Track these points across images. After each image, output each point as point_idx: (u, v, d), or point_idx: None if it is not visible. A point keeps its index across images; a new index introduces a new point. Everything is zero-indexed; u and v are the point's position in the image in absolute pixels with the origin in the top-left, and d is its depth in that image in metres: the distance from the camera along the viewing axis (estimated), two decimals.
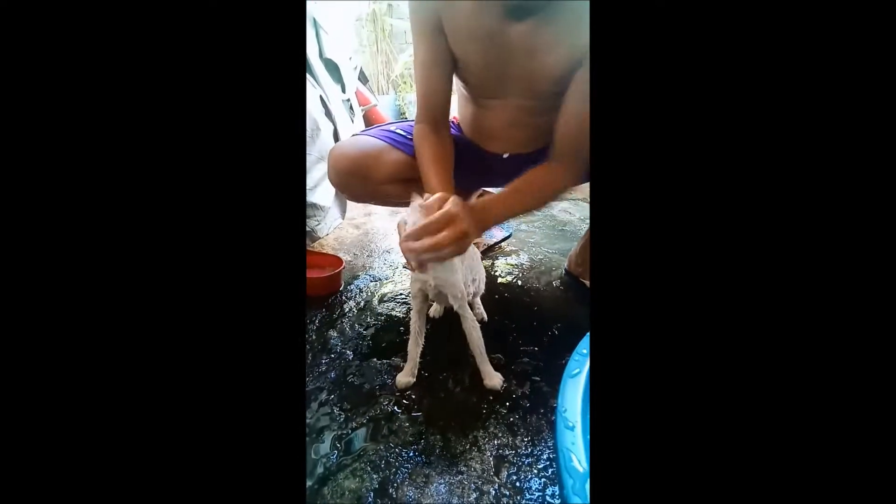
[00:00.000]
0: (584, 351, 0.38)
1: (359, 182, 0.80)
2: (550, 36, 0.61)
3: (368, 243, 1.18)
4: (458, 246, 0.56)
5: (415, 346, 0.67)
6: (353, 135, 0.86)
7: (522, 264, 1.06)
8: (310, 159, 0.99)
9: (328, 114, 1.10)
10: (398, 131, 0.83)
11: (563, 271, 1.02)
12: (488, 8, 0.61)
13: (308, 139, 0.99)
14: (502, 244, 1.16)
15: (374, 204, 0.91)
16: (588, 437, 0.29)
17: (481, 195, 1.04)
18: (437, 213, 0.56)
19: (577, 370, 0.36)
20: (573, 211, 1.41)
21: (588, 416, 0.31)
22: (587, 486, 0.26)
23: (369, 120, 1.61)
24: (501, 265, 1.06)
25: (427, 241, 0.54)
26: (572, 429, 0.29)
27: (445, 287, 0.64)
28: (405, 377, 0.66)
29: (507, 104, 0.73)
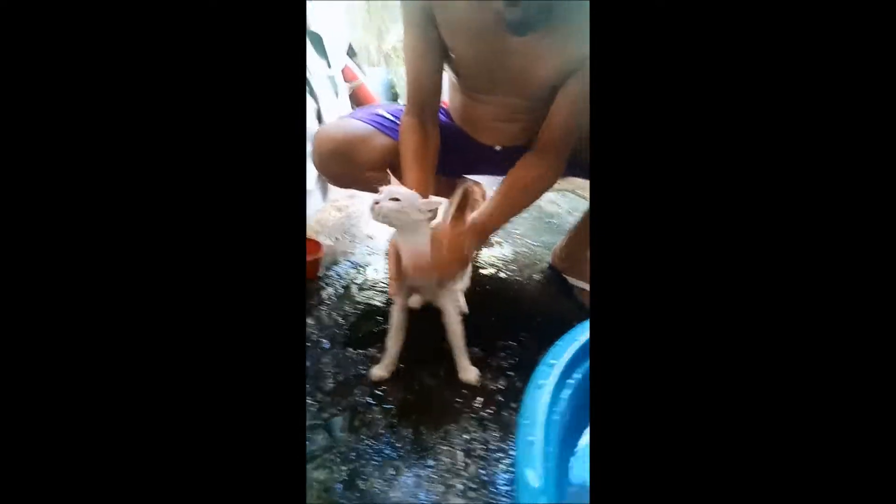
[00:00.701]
0: (552, 361, 0.38)
1: (343, 167, 0.78)
2: (548, 47, 0.60)
3: (350, 227, 1.16)
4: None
5: (394, 341, 0.66)
6: (340, 117, 0.83)
7: (506, 256, 1.06)
8: None
9: (311, 91, 1.05)
10: (387, 115, 0.81)
11: (547, 265, 1.02)
12: (484, 12, 0.58)
13: None
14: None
15: (359, 189, 0.89)
16: (550, 451, 0.29)
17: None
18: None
19: (543, 381, 0.36)
20: (561, 202, 1.40)
21: (552, 431, 0.32)
22: (542, 501, 0.27)
23: (357, 98, 1.56)
24: (485, 256, 1.05)
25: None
26: (532, 444, 0.29)
27: (426, 288, 0.63)
28: (380, 371, 0.66)
29: (498, 100, 0.72)
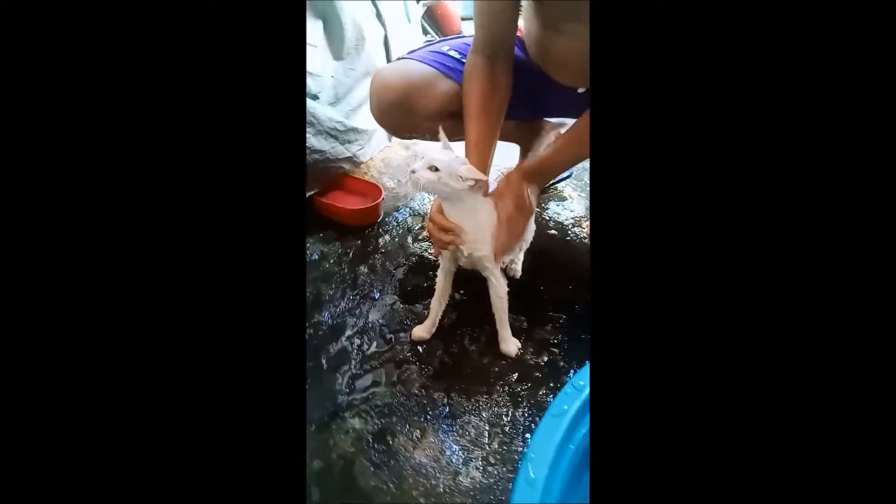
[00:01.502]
0: (582, 383, 0.35)
1: (404, 117, 0.73)
2: None
3: None
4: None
5: (437, 304, 0.66)
6: (399, 58, 0.76)
7: (575, 214, 0.97)
8: (353, 75, 0.91)
9: (378, 15, 0.97)
10: (452, 53, 0.72)
11: None
12: None
13: (352, 50, 0.89)
14: (559, 185, 1.05)
15: (421, 138, 0.84)
16: (552, 497, 0.28)
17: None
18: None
19: (565, 406, 0.33)
20: None
21: (559, 473, 0.29)
22: None
23: (436, 19, 1.41)
24: (552, 212, 0.97)
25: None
26: (531, 484, 0.28)
27: (476, 260, 0.60)
28: (422, 331, 0.67)
29: (585, 31, 0.59)
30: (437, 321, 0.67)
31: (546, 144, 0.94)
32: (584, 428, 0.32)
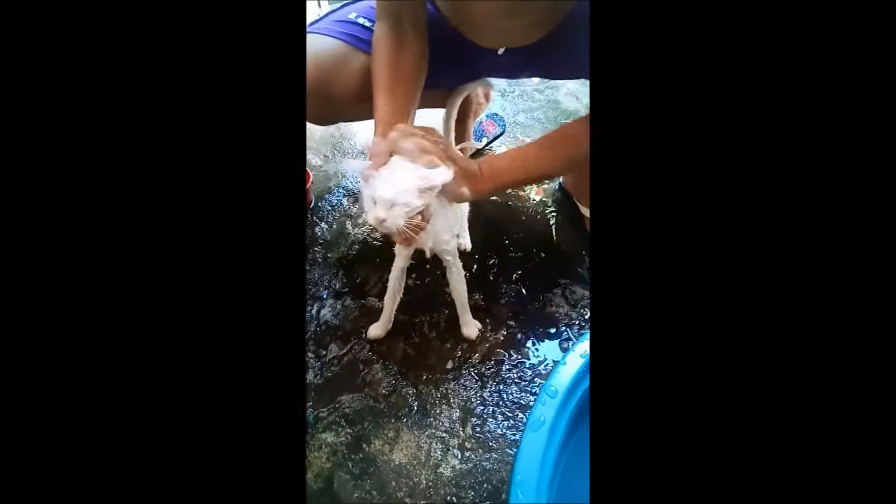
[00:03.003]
0: (553, 387, 0.35)
1: (322, 105, 0.62)
2: None
3: (341, 140, 1.03)
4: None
5: (391, 300, 0.64)
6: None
7: None
8: None
9: None
10: (361, 21, 0.62)
11: (558, 187, 0.92)
12: None
13: None
14: (493, 145, 1.02)
15: (346, 122, 0.75)
16: None
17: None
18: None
19: (542, 417, 0.34)
20: (582, 96, 1.20)
21: (552, 487, 0.30)
22: None
23: None
24: None
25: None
26: None
27: (441, 251, 0.57)
28: (377, 330, 0.65)
29: None
30: (392, 317, 0.65)
31: (476, 103, 0.89)
32: (564, 434, 0.33)
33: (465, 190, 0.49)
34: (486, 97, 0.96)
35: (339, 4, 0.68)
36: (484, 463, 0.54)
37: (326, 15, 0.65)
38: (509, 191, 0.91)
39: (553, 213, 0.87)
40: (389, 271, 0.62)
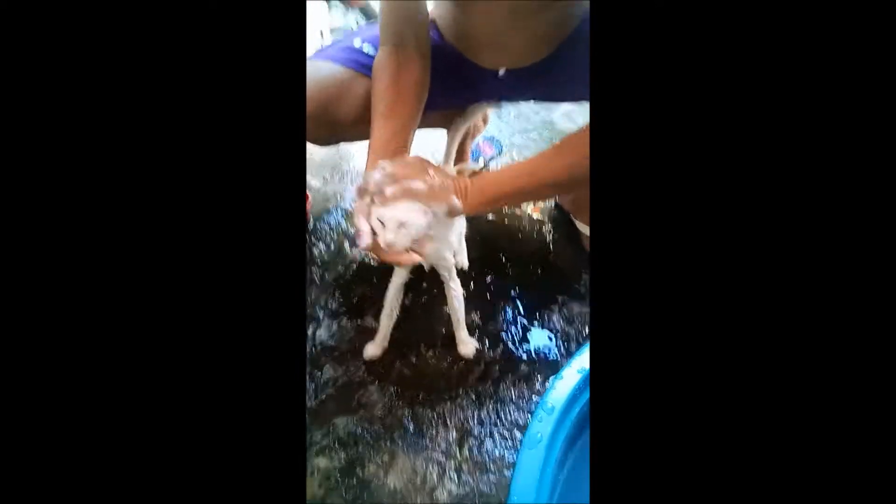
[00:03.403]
0: (550, 404, 0.35)
1: (326, 128, 0.64)
2: None
3: (340, 161, 1.05)
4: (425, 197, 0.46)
5: (388, 319, 0.63)
6: (308, 59, 0.67)
7: None
8: None
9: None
10: (365, 48, 0.64)
11: (554, 204, 0.93)
12: None
13: None
14: (490, 165, 1.04)
15: (348, 141, 0.76)
16: None
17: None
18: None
19: (538, 434, 0.33)
20: (577, 116, 1.23)
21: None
22: None
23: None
24: None
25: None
26: None
27: (440, 264, 0.57)
28: (374, 349, 0.64)
29: (502, 4, 0.54)
30: (389, 335, 0.65)
31: (473, 125, 0.91)
32: (562, 451, 0.32)
33: (457, 201, 0.49)
34: (484, 120, 0.98)
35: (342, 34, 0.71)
36: (481, 486, 0.52)
37: (333, 43, 0.68)
38: (505, 209, 0.92)
39: (549, 231, 0.87)
40: (387, 286, 0.62)
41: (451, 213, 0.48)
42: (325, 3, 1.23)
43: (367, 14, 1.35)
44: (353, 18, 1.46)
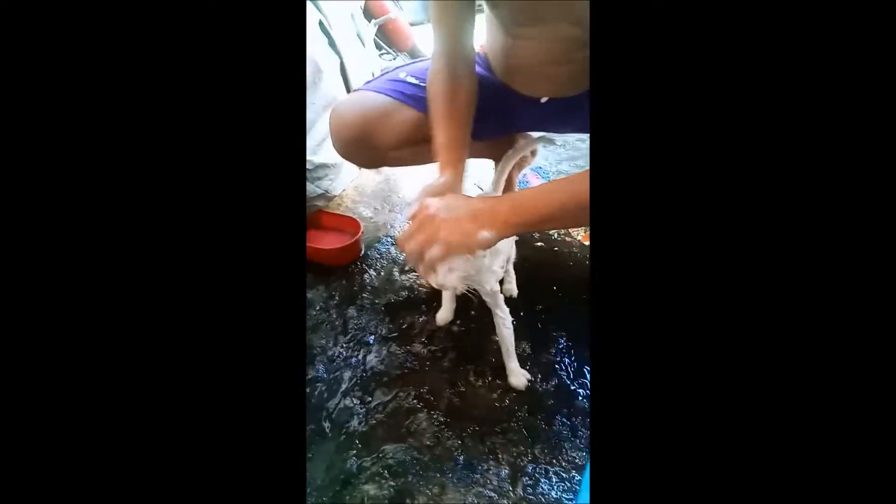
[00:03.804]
0: None
1: (366, 151, 0.70)
2: None
3: (389, 193, 1.10)
4: (460, 248, 0.47)
5: (449, 299, 0.67)
6: (354, 90, 0.72)
7: None
8: (313, 109, 0.86)
9: (332, 44, 0.93)
10: (410, 80, 0.69)
11: None
12: None
13: (310, 85, 0.85)
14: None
15: (390, 167, 0.80)
16: None
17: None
18: (415, 219, 0.48)
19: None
20: None
21: None
22: None
23: (388, 35, 1.38)
24: None
25: (410, 246, 0.47)
26: None
27: (476, 286, 0.57)
28: (445, 314, 0.66)
29: (545, 33, 0.56)
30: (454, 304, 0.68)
31: (521, 156, 0.92)
32: None
33: (487, 234, 0.47)
34: (533, 152, 1.00)
35: (392, 66, 0.76)
36: None
37: (381, 74, 0.73)
38: (554, 235, 0.90)
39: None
40: (434, 316, 0.62)
41: (483, 245, 0.48)
42: (375, 50, 1.32)
43: (414, 55, 1.44)
44: (401, 62, 1.56)
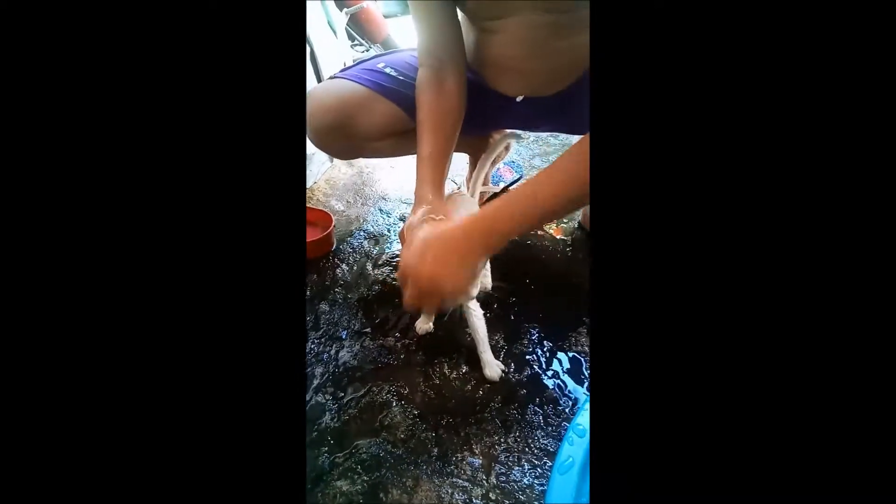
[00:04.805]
0: (581, 426, 0.33)
1: (344, 140, 0.68)
2: None
3: (362, 186, 1.08)
4: (456, 298, 0.51)
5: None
6: (331, 77, 0.70)
7: None
8: None
9: None
10: (388, 71, 0.68)
11: (577, 225, 0.92)
12: None
13: None
14: (511, 189, 1.05)
15: (365, 158, 0.79)
16: None
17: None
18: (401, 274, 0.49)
19: (570, 459, 0.31)
20: None
21: None
22: None
23: (361, 24, 1.35)
24: None
25: (406, 302, 0.50)
26: None
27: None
28: (425, 323, 0.65)
29: (517, 24, 0.55)
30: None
31: (496, 153, 0.93)
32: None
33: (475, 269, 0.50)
34: (507, 147, 1.00)
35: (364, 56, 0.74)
36: None
37: (357, 63, 0.71)
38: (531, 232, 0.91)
39: (572, 251, 0.86)
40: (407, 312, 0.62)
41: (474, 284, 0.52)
42: (347, 40, 1.30)
43: (387, 46, 1.42)
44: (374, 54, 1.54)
